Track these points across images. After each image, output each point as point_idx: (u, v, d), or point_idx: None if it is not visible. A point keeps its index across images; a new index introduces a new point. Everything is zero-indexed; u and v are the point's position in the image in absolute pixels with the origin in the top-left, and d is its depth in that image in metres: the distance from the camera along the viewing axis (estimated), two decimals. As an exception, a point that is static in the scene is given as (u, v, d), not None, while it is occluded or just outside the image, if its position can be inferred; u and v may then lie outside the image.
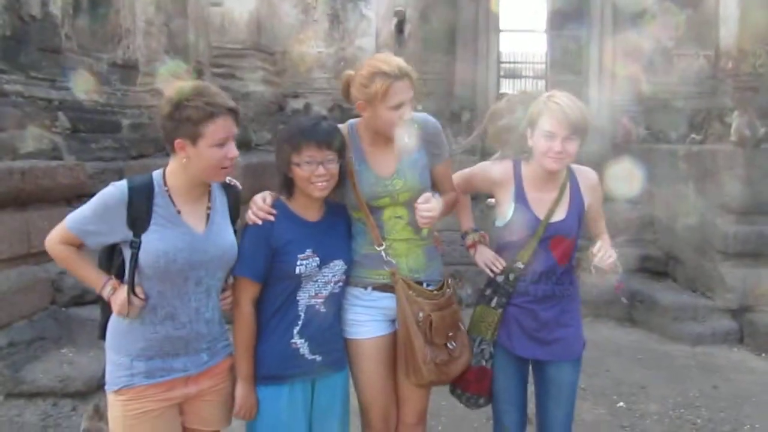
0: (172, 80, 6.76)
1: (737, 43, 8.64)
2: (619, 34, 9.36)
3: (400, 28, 9.27)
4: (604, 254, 2.42)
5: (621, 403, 4.38)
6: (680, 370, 5.04)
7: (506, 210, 2.58)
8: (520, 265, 2.55)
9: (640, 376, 4.88)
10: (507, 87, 11.35)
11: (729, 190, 5.85)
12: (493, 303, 2.60)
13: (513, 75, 14.54)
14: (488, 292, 2.64)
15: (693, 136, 8.06)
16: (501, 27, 10.01)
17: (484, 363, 2.62)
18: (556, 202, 2.52)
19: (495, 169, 2.66)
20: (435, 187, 2.59)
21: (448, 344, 2.48)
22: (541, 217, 2.52)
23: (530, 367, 2.69)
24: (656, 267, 6.93)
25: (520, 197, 2.55)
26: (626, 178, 6.43)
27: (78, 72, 5.89)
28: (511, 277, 2.57)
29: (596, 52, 9.55)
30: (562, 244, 2.52)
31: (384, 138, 2.49)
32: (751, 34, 8.43)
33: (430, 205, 2.35)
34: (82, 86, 5.85)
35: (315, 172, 2.29)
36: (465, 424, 4.05)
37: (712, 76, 9.08)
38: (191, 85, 2.14)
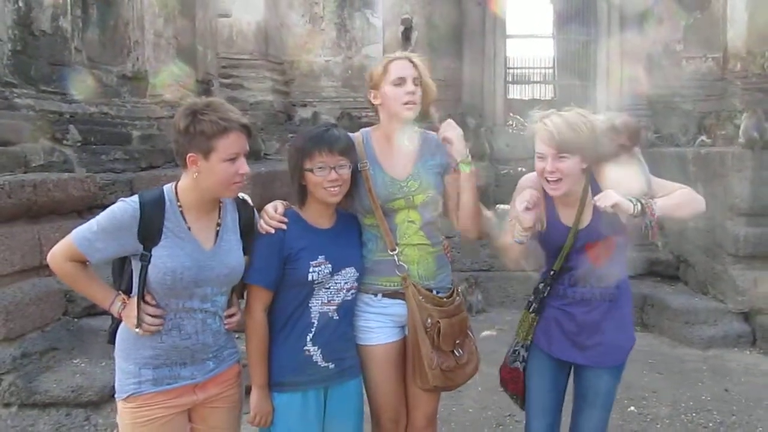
0: (176, 85, 6.82)
1: (745, 44, 8.63)
2: (625, 38, 9.36)
3: (406, 35, 9.31)
4: (602, 196, 2.40)
5: (632, 408, 4.36)
6: (692, 374, 5.02)
7: (542, 219, 2.61)
8: (551, 272, 2.60)
9: (651, 380, 4.87)
10: (515, 92, 11.35)
11: (738, 192, 5.83)
12: (531, 308, 2.66)
13: (521, 80, 14.54)
14: (531, 297, 2.69)
15: (702, 138, 8.03)
16: (508, 32, 10.03)
17: (518, 365, 2.68)
18: (580, 210, 2.54)
19: (525, 182, 2.67)
20: (446, 196, 2.63)
21: (456, 351, 2.52)
22: (570, 225, 2.55)
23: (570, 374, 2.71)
24: (667, 271, 6.91)
25: (550, 207, 2.60)
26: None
27: (87, 84, 5.95)
28: (542, 285, 2.63)
29: (603, 56, 9.57)
30: (596, 248, 2.54)
31: (398, 140, 2.56)
32: (759, 35, 8.42)
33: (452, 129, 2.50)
34: (89, 96, 5.92)
35: (327, 177, 2.33)
36: (475, 430, 4.05)
37: (720, 78, 9.06)
38: (205, 101, 2.17)
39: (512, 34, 10.30)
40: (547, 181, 2.48)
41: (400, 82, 2.50)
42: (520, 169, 8.22)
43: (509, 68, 10.75)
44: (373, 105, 2.63)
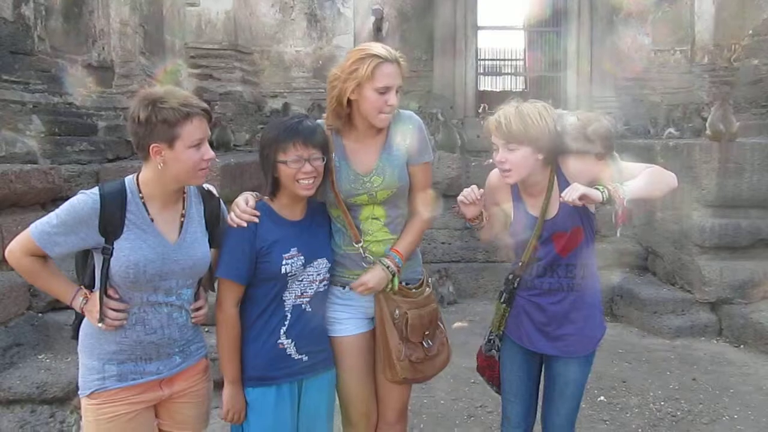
0: (142, 75, 6.70)
1: (713, 38, 8.76)
2: (595, 30, 9.43)
3: (378, 26, 9.27)
4: (569, 190, 2.38)
5: (602, 397, 4.41)
6: (660, 364, 5.09)
7: (509, 210, 2.65)
8: (519, 263, 2.61)
9: (620, 370, 4.92)
10: (486, 84, 11.39)
11: (705, 183, 5.90)
12: (502, 298, 2.70)
13: (492, 72, 14.61)
14: (502, 287, 2.72)
15: (670, 130, 8.13)
16: (479, 24, 10.03)
17: (494, 353, 2.75)
18: (547, 200, 2.55)
19: (492, 176, 2.72)
20: (411, 187, 2.57)
21: (424, 342, 2.50)
22: (537, 216, 2.56)
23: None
24: (636, 262, 6.98)
25: (517, 198, 2.62)
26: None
27: (52, 74, 5.82)
28: (511, 276, 2.65)
29: (574, 49, 9.61)
30: (562, 238, 2.55)
31: (367, 134, 2.49)
32: (726, 29, 8.54)
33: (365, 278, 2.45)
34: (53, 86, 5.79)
35: (302, 169, 2.29)
36: (446, 422, 4.06)
37: (688, 71, 9.18)
38: (161, 89, 2.12)
39: (483, 25, 10.30)
40: (501, 170, 2.54)
41: (385, 91, 2.38)
42: (490, 160, 8.23)
43: (480, 60, 10.77)
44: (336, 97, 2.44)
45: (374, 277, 2.45)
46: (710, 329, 5.79)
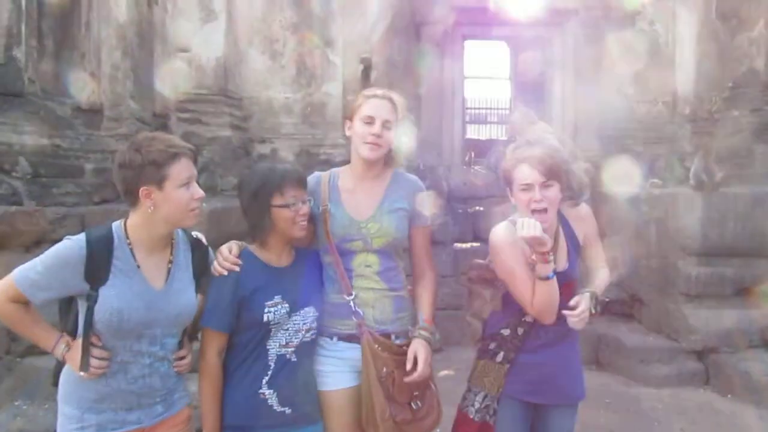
0: (132, 119, 6.71)
1: (694, 89, 8.92)
2: (580, 82, 9.61)
3: (366, 73, 9.38)
4: (578, 313, 2.41)
5: (589, 448, 4.36)
6: (647, 413, 5.04)
7: None
8: (529, 318, 2.51)
9: (607, 421, 4.87)
10: (472, 132, 11.53)
11: (689, 232, 5.96)
12: (499, 358, 2.56)
13: (478, 120, 14.83)
14: (492, 346, 2.59)
15: (653, 180, 8.22)
16: (466, 74, 10.21)
17: (488, 419, 2.55)
18: (555, 251, 2.48)
19: (501, 233, 2.54)
20: (411, 249, 2.62)
21: (413, 404, 2.42)
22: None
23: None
24: (622, 309, 6.97)
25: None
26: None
27: (41, 116, 5.82)
28: (520, 331, 2.54)
29: (559, 98, 9.79)
30: (570, 287, 2.52)
31: (363, 176, 2.54)
32: (707, 80, 8.71)
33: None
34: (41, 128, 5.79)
35: (300, 211, 2.32)
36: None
37: (670, 121, 9.33)
38: (146, 135, 2.16)
39: (470, 75, 10.49)
40: (533, 212, 2.39)
41: (370, 120, 2.48)
42: (477, 207, 8.29)
43: (467, 108, 10.93)
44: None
45: (422, 354, 2.43)
46: (697, 378, 5.76)
